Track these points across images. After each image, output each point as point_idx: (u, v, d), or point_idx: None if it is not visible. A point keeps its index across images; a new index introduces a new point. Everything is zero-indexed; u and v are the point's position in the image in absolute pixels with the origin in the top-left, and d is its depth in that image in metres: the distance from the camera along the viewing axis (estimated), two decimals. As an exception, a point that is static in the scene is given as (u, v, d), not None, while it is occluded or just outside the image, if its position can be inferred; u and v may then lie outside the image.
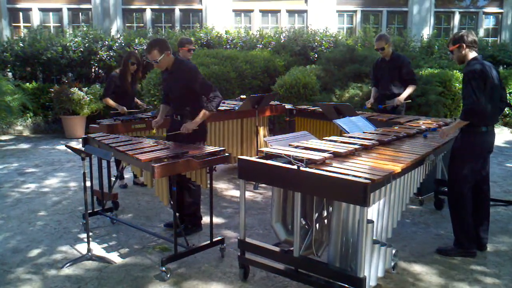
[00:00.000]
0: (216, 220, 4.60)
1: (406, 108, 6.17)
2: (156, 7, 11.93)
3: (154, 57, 4.05)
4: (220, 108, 6.04)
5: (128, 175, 6.18)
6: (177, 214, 3.83)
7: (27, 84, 9.94)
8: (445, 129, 4.05)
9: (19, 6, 11.68)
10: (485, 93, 3.69)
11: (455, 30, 12.36)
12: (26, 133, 9.82)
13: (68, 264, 3.71)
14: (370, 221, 2.89)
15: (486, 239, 4.02)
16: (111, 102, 5.71)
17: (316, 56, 10.46)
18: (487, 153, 3.94)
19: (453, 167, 3.94)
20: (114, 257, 3.89)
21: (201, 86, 4.15)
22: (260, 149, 3.50)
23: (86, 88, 9.42)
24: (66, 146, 4.10)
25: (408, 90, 5.82)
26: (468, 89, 3.70)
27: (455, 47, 3.88)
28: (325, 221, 3.21)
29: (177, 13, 11.93)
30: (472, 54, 3.85)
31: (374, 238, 3.05)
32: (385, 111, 5.89)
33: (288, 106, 6.75)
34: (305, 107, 6.61)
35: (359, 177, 2.79)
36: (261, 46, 10.76)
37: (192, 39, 6.09)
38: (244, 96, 6.70)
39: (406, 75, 5.82)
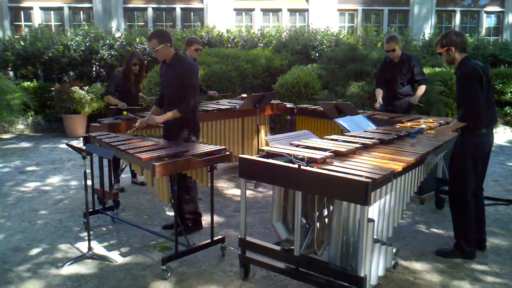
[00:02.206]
0: (216, 219, 4.60)
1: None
2: (157, 6, 11.93)
3: (153, 45, 4.17)
4: (221, 107, 6.06)
5: (126, 174, 6.16)
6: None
7: (28, 83, 9.94)
8: (441, 129, 4.00)
9: (20, 5, 11.69)
10: (483, 94, 3.67)
11: (457, 29, 12.34)
12: (27, 131, 9.83)
13: (69, 263, 3.71)
14: (371, 220, 2.89)
15: (485, 239, 4.01)
16: (112, 99, 5.66)
17: (317, 55, 10.45)
18: (486, 154, 3.91)
19: (455, 172, 3.86)
20: (115, 255, 3.90)
21: (187, 86, 4.17)
22: (261, 148, 3.50)
23: (87, 87, 9.42)
24: (67, 144, 4.10)
25: (421, 90, 5.74)
26: (466, 91, 3.64)
27: (443, 50, 3.77)
28: (326, 220, 3.21)
29: (178, 11, 11.93)
30: (462, 55, 3.76)
31: (375, 237, 3.05)
32: (394, 111, 5.85)
33: (289, 105, 6.75)
34: (306, 106, 6.61)
35: (360, 176, 2.79)
36: (262, 45, 10.76)
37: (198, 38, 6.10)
38: (245, 95, 6.71)
39: (418, 75, 5.74)
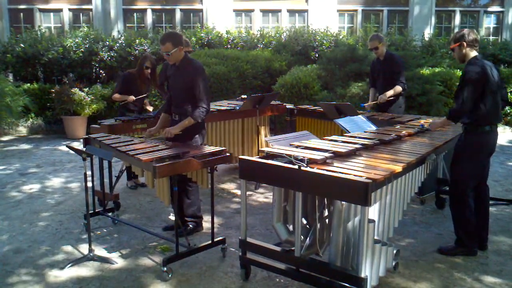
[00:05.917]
0: (217, 220, 4.60)
1: (407, 107, 6.14)
2: (157, 7, 11.94)
3: (167, 49, 4.04)
4: (221, 108, 6.06)
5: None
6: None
7: (28, 85, 9.94)
8: (435, 122, 4.42)
9: (20, 7, 11.69)
10: (487, 94, 3.73)
11: (456, 29, 12.35)
12: (27, 133, 9.83)
13: (69, 265, 3.71)
14: (371, 221, 2.89)
15: (487, 239, 4.02)
16: (118, 96, 5.66)
17: (317, 55, 10.45)
18: (489, 152, 3.93)
19: (456, 167, 3.94)
20: (116, 257, 3.90)
21: (199, 90, 4.10)
22: (261, 149, 3.50)
23: (87, 89, 9.41)
24: (67, 146, 4.11)
25: (393, 91, 5.73)
26: (460, 91, 3.78)
27: (456, 46, 3.90)
28: (326, 220, 3.21)
29: (178, 13, 11.94)
30: (472, 54, 3.86)
31: (375, 237, 3.05)
32: (381, 109, 5.86)
33: (289, 105, 6.75)
34: (306, 106, 6.62)
35: (360, 176, 2.79)
36: (262, 46, 10.76)
37: (193, 39, 6.07)
38: (245, 96, 6.70)
39: (395, 75, 5.75)
